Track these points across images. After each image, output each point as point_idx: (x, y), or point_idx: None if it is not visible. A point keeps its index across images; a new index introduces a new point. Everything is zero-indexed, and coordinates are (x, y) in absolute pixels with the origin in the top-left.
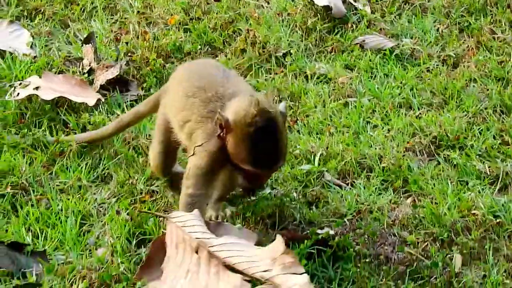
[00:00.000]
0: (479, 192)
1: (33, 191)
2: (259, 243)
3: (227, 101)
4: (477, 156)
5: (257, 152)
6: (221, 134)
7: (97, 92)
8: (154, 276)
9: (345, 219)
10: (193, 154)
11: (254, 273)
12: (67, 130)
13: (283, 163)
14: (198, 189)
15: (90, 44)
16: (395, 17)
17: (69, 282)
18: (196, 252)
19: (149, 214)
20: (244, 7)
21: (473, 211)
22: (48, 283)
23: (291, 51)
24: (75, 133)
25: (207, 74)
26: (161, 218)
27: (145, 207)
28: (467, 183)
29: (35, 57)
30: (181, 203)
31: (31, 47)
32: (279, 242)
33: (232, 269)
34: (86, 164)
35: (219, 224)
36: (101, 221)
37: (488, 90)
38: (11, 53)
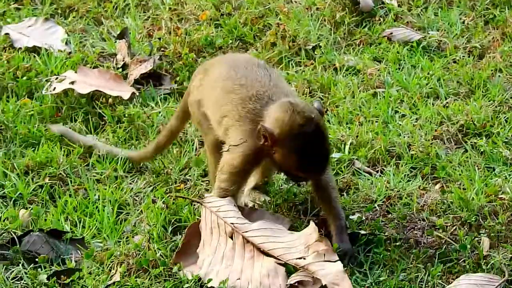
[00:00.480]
0: (506, 177)
1: (71, 181)
2: (292, 229)
3: (266, 103)
4: (504, 143)
5: (308, 161)
6: (266, 143)
7: (131, 86)
8: (190, 261)
9: (375, 205)
10: (227, 150)
11: (289, 260)
12: (103, 123)
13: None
14: (231, 185)
15: (123, 40)
16: (421, 10)
17: (107, 267)
18: (231, 237)
19: (185, 201)
20: (273, 2)
21: (500, 196)
22: (87, 268)
23: (320, 44)
24: (111, 125)
25: (248, 71)
26: (196, 206)
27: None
28: (494, 169)
29: (70, 53)
30: (214, 195)
31: (66, 43)
32: (312, 228)
33: (267, 254)
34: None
35: (253, 210)
36: (138, 210)
37: None
38: (46, 50)
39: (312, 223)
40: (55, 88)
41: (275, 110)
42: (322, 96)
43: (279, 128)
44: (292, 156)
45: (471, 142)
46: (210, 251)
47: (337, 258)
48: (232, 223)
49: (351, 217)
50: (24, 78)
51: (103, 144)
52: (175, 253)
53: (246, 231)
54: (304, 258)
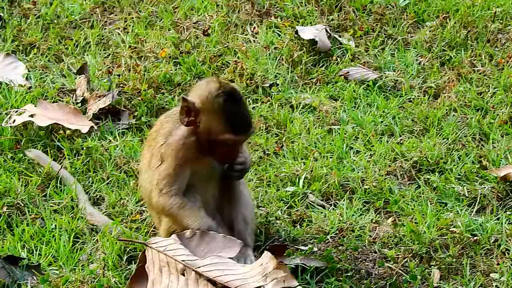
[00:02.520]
0: (458, 212)
1: (28, 211)
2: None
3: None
4: (456, 179)
5: (233, 119)
6: (190, 118)
7: (89, 120)
8: (145, 287)
9: (328, 237)
10: (156, 167)
11: None
12: (61, 155)
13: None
14: (171, 185)
15: (83, 75)
16: (378, 51)
17: None
18: (183, 274)
19: (141, 230)
20: (232, 41)
21: (451, 229)
22: None
23: (278, 82)
24: (69, 158)
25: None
26: (151, 235)
27: (135, 226)
28: (446, 204)
29: (30, 88)
30: (163, 211)
31: (26, 78)
32: (268, 258)
33: (223, 287)
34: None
35: (203, 233)
36: (94, 239)
37: (467, 119)
38: (7, 84)
39: (267, 252)
40: (14, 120)
41: (193, 90)
42: (278, 132)
43: (199, 97)
44: (217, 117)
45: (424, 178)
46: None
47: (297, 284)
48: (183, 260)
49: (302, 247)
50: None
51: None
52: (130, 278)
53: (198, 267)
54: (263, 287)
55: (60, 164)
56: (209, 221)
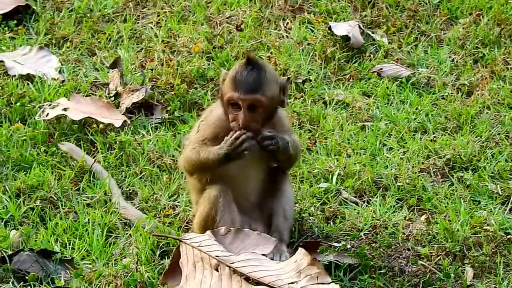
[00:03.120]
0: (491, 210)
1: (61, 204)
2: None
3: None
4: (489, 177)
5: (237, 77)
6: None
7: (123, 114)
8: (177, 282)
9: (361, 234)
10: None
11: (281, 286)
12: (94, 149)
13: (263, 96)
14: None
15: (116, 69)
16: (411, 47)
17: (95, 287)
18: (216, 270)
19: (174, 225)
20: (265, 36)
21: (484, 227)
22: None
23: (311, 78)
24: (102, 152)
25: None
26: (185, 230)
27: (168, 221)
28: (479, 202)
29: (63, 81)
30: (183, 163)
31: (59, 72)
32: (302, 254)
33: (257, 283)
34: None
35: (238, 230)
36: (127, 233)
37: (501, 117)
38: (40, 77)
39: (301, 249)
40: (48, 114)
41: None
42: (311, 128)
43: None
44: (227, 78)
45: (457, 175)
46: (195, 284)
47: (330, 280)
48: (217, 256)
49: (335, 244)
50: (18, 104)
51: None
52: (163, 273)
53: (232, 262)
54: (297, 283)
55: (93, 158)
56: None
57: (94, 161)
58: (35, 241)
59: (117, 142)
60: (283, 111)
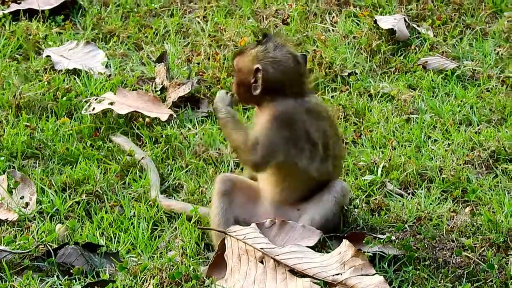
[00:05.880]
0: None
1: (107, 198)
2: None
3: None
4: None
5: None
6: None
7: (169, 108)
8: (222, 275)
9: (406, 225)
10: None
11: (325, 277)
12: (140, 143)
13: (236, 63)
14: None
15: (162, 63)
16: (456, 41)
17: (140, 280)
18: (261, 262)
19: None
20: (311, 30)
21: None
22: (121, 281)
23: (356, 71)
24: (148, 145)
25: None
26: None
27: None
28: None
29: (109, 76)
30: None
31: (106, 66)
32: (347, 245)
33: (301, 275)
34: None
35: (283, 222)
36: (172, 227)
37: None
38: (86, 72)
39: (345, 241)
40: (94, 108)
41: None
42: (356, 121)
43: None
44: None
45: (501, 167)
46: (240, 276)
47: (375, 272)
48: (262, 248)
49: (380, 236)
50: (64, 98)
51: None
52: (207, 266)
53: (277, 255)
54: (341, 274)
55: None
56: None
57: (142, 158)
58: (81, 234)
59: (163, 136)
60: (281, 112)
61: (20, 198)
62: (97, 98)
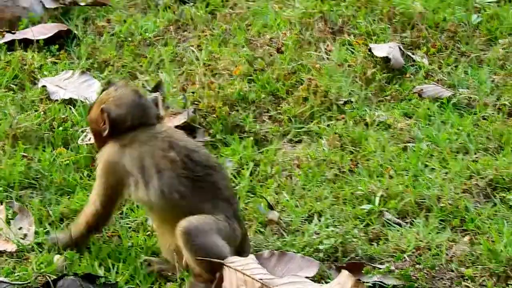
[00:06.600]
0: None
1: (105, 228)
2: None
3: None
4: None
5: None
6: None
7: None
8: None
9: (405, 255)
10: None
11: None
12: None
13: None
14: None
15: (158, 93)
16: (452, 68)
17: None
18: None
19: None
20: (306, 58)
21: None
22: None
23: (352, 99)
24: None
25: None
26: None
27: None
28: None
29: None
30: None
31: None
32: (346, 276)
33: None
34: None
35: (283, 253)
36: None
37: None
38: (82, 102)
39: (344, 271)
40: (90, 138)
41: None
42: (353, 149)
43: None
44: None
45: (500, 196)
46: None
47: None
48: (261, 279)
49: (379, 266)
50: (60, 128)
51: None
52: None
53: (276, 285)
54: None
55: None
56: None
57: None
58: (79, 265)
59: None
60: (112, 154)
61: (19, 229)
62: None
